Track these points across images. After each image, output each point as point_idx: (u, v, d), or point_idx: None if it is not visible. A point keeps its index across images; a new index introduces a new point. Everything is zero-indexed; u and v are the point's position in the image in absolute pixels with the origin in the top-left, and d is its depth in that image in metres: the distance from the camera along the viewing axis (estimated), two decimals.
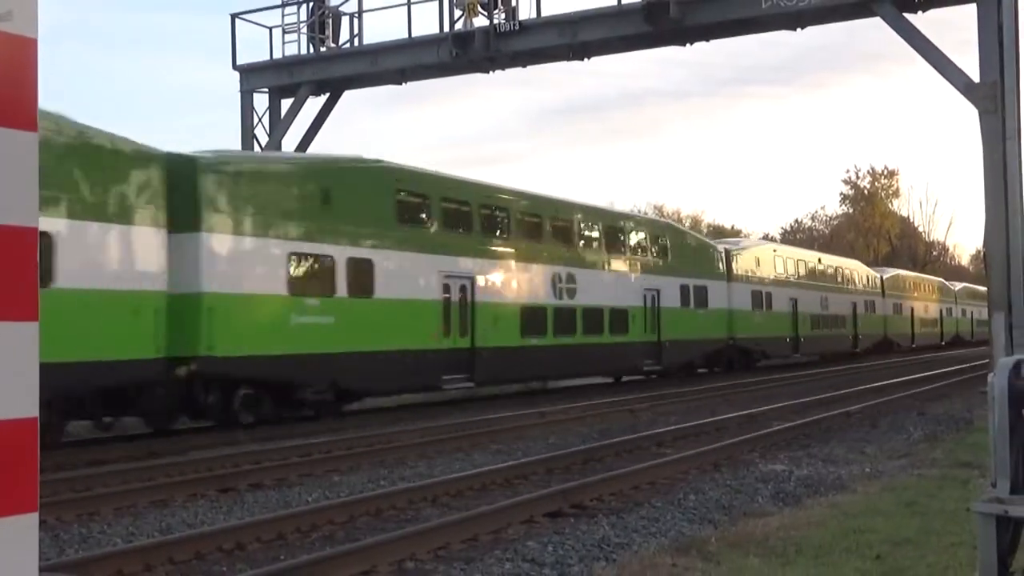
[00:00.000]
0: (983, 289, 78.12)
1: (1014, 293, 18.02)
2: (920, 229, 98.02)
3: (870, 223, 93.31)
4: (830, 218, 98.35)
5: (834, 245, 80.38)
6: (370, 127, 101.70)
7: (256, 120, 26.59)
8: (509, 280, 24.38)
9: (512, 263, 24.53)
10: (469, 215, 23.65)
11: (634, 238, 31.34)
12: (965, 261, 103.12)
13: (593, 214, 30.00)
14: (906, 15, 20.69)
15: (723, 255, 36.81)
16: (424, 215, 22.42)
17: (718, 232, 77.87)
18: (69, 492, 10.90)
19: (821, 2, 21.24)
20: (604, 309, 27.83)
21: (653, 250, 31.92)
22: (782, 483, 11.40)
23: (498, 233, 24.64)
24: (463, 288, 22.55)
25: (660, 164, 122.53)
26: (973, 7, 19.89)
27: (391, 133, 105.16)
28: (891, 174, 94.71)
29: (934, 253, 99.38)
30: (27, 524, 1.65)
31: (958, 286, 77.15)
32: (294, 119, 26.72)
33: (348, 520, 9.41)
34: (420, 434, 16.69)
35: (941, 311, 68.80)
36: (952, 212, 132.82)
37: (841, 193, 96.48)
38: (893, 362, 44.47)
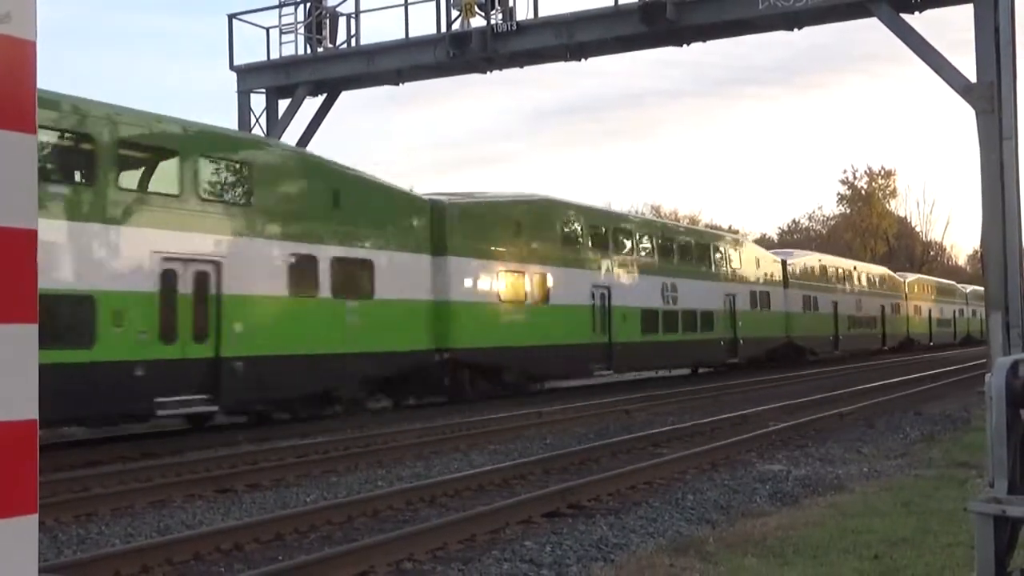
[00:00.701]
0: (947, 283, 76.58)
1: (1011, 292, 18.04)
2: (917, 229, 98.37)
3: (867, 223, 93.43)
4: (827, 218, 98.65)
5: (831, 245, 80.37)
6: (367, 127, 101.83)
7: (253, 121, 26.55)
8: None
9: None
10: None
11: (117, 154, 15.77)
12: (962, 261, 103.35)
13: None
14: (903, 15, 20.70)
15: (430, 212, 22.82)
16: None
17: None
18: (67, 493, 10.91)
19: (818, 2, 21.25)
20: None
21: (193, 186, 17.00)
22: (780, 483, 11.42)
23: None
24: None
25: (657, 164, 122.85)
26: (970, 7, 19.88)
27: (388, 134, 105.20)
28: (888, 174, 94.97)
29: (931, 253, 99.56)
30: (27, 526, 1.65)
31: (910, 277, 64.48)
32: (291, 120, 26.70)
33: (346, 520, 9.43)
34: (417, 434, 16.71)
35: (883, 308, 55.27)
36: (949, 212, 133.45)
37: (838, 193, 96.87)
38: (890, 363, 44.53)
